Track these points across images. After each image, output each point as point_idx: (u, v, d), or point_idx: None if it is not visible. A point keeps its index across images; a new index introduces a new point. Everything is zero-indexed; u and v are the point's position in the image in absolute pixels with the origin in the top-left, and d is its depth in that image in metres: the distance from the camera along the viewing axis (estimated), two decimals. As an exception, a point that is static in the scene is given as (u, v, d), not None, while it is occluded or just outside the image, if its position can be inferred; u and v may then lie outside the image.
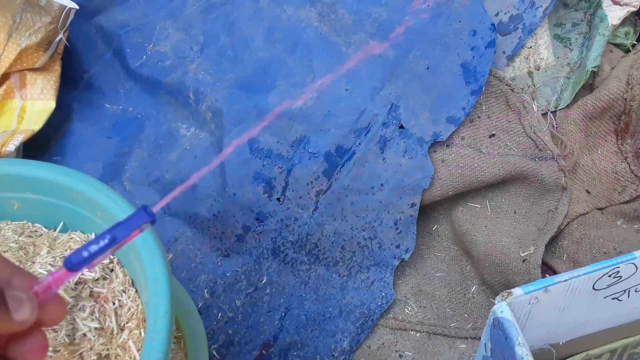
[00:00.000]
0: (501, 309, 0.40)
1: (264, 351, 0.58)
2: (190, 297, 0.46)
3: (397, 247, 0.61)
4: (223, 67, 0.65)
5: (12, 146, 0.56)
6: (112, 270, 0.39)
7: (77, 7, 0.61)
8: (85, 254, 0.28)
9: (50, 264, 0.38)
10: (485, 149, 0.63)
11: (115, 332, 0.36)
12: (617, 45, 0.73)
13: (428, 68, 0.64)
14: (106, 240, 0.29)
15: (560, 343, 0.45)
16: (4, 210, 0.41)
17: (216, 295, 0.59)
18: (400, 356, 0.59)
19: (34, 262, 0.38)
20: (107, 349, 0.35)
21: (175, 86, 0.64)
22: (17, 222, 0.42)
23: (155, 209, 0.31)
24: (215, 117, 0.63)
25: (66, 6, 0.60)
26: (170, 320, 0.33)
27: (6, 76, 0.61)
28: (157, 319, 0.33)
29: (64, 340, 0.34)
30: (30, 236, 0.41)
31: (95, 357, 0.34)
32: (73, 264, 0.28)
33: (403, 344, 0.59)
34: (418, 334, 0.59)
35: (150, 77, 0.65)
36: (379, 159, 0.61)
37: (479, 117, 0.65)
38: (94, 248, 0.29)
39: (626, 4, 0.71)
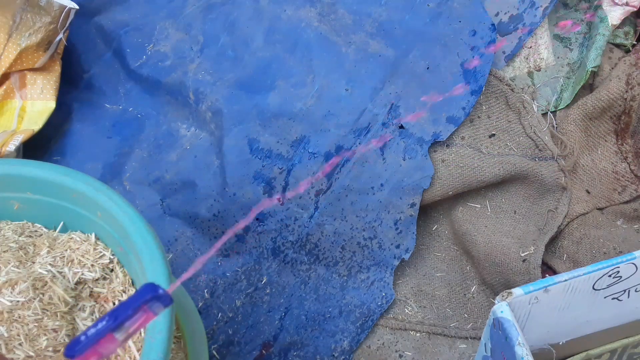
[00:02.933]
0: (501, 309, 0.40)
1: (264, 351, 0.58)
2: (190, 297, 0.46)
3: (397, 247, 0.61)
4: (223, 67, 0.65)
5: (12, 146, 0.56)
6: (112, 270, 0.39)
7: (77, 7, 0.61)
8: (82, 338, 0.27)
9: (50, 264, 0.38)
10: (485, 149, 0.63)
11: None
12: (617, 45, 0.73)
13: (428, 68, 0.64)
14: (104, 322, 0.27)
15: (560, 343, 0.45)
16: (4, 210, 0.41)
17: (216, 295, 0.59)
18: (400, 356, 0.59)
19: (34, 262, 0.38)
20: (107, 349, 0.35)
21: (175, 86, 0.65)
22: (17, 222, 0.42)
23: (172, 287, 0.29)
24: (215, 117, 0.63)
25: (66, 6, 0.60)
26: (170, 320, 0.33)
27: (6, 76, 0.61)
28: (156, 319, 0.33)
29: (64, 340, 0.34)
30: (30, 236, 0.41)
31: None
32: (73, 351, 0.27)
33: (403, 344, 0.59)
34: (418, 334, 0.59)
35: (150, 77, 0.65)
36: (379, 159, 0.61)
37: (479, 117, 0.65)
38: (91, 331, 0.27)
39: (626, 4, 0.71)
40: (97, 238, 0.41)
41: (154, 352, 0.31)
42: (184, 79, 0.64)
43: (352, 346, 0.59)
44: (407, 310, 0.61)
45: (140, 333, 0.35)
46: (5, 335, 0.33)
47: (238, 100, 0.63)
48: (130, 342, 0.34)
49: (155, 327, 0.32)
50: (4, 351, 0.32)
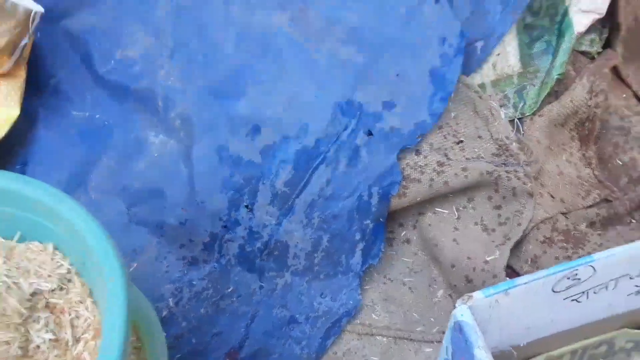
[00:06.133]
0: (461, 312, 0.40)
1: (230, 357, 0.58)
2: (152, 307, 0.46)
3: (366, 253, 0.61)
4: (193, 73, 0.65)
5: (-28, 154, 0.55)
6: (69, 281, 0.39)
7: (42, 10, 0.60)
8: None
9: (5, 275, 0.37)
10: (454, 155, 0.64)
11: (70, 343, 0.35)
12: (583, 53, 0.74)
13: (398, 75, 0.65)
14: None
15: (522, 345, 0.46)
16: (-40, 220, 0.40)
17: (182, 304, 0.58)
18: (369, 361, 0.59)
19: (-11, 273, 0.38)
20: (62, 361, 0.35)
21: (144, 92, 0.64)
22: (-28, 232, 0.41)
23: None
24: (185, 125, 0.62)
25: (32, 9, 0.59)
26: (127, 331, 0.33)
27: (-31, 82, 0.59)
28: (112, 330, 0.32)
29: (17, 352, 0.34)
30: (-14, 246, 0.40)
31: (48, 369, 0.34)
32: None
33: (370, 350, 0.59)
34: (385, 339, 0.60)
35: (119, 83, 0.65)
36: (349, 165, 0.61)
37: (447, 123, 0.66)
38: None
39: (591, 11, 0.72)
40: (55, 248, 0.40)
41: (110, 363, 0.31)
42: (153, 86, 0.64)
43: (319, 352, 0.59)
44: (374, 316, 0.61)
45: (97, 344, 0.35)
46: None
47: (208, 107, 0.63)
48: (85, 354, 0.34)
49: (111, 338, 0.32)
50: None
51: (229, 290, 0.59)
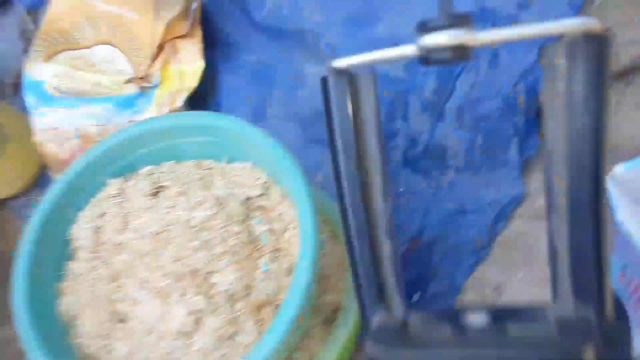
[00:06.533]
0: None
1: (413, 244, 0.61)
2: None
3: (521, 146, 0.62)
4: (333, 8, 0.70)
5: (180, 102, 0.67)
6: (269, 188, 0.48)
7: (203, -24, 0.68)
8: None
9: (224, 188, 0.47)
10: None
11: (281, 232, 0.45)
12: None
13: None
14: None
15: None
16: (184, 152, 0.51)
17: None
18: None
19: (210, 188, 0.48)
20: (277, 244, 0.45)
21: (295, 31, 0.71)
22: (195, 160, 0.51)
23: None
24: (334, 52, 0.69)
25: (195, -21, 0.67)
26: (316, 219, 0.41)
27: (161, 47, 0.70)
28: (305, 219, 0.41)
29: (246, 239, 0.44)
30: (206, 169, 0.50)
31: (269, 249, 0.44)
32: None
33: (539, 232, 0.59)
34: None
35: (273, 26, 0.72)
36: (490, 68, 0.63)
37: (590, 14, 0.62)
38: None
39: None
40: (253, 165, 0.49)
41: (308, 253, 0.39)
42: (302, 24, 0.71)
43: (491, 235, 0.60)
44: (538, 203, 0.61)
45: (297, 231, 0.44)
46: (206, 238, 0.44)
47: (350, 34, 0.68)
48: (293, 239, 0.43)
49: (306, 226, 0.40)
50: (207, 249, 0.43)
51: (401, 189, 0.63)
